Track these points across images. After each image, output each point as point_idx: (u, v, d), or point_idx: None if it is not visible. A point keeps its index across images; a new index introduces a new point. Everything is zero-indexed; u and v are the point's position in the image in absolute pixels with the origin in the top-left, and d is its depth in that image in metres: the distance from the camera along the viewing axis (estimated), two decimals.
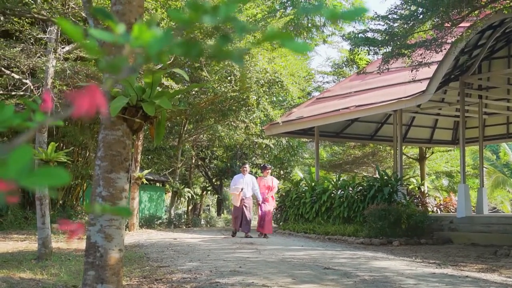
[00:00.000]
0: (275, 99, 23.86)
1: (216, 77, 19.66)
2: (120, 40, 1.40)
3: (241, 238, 16.90)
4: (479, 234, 15.45)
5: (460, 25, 14.40)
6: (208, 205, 44.74)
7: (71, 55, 15.17)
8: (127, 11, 5.25)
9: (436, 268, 9.68)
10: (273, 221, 22.44)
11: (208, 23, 1.42)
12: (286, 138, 29.32)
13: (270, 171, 18.48)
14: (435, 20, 13.52)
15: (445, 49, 14.76)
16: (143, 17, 5.40)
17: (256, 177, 19.20)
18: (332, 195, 19.03)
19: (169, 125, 24.62)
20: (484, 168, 27.16)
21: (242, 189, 17.07)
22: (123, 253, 5.35)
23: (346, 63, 33.71)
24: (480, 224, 16.00)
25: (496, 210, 33.74)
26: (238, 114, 23.22)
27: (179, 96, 19.19)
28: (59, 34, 13.07)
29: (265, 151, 30.83)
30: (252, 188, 17.34)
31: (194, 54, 1.44)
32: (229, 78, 19.81)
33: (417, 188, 22.71)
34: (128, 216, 4.91)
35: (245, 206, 17.22)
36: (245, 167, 17.69)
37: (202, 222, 27.88)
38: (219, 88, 19.75)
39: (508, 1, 13.52)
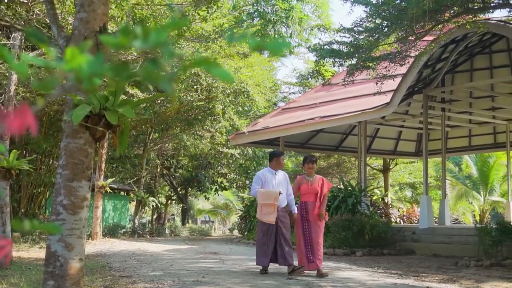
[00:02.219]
0: (241, 109, 23.87)
1: (183, 86, 19.62)
2: (53, 65, 1.43)
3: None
4: (440, 245, 15.62)
5: (424, 38, 14.62)
6: (173, 215, 44.59)
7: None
8: (91, 19, 5.23)
9: (398, 278, 9.76)
10: (245, 232, 22.20)
11: (138, 48, 1.45)
12: (252, 148, 29.36)
13: (315, 166, 10.51)
14: (399, 34, 13.69)
15: (409, 62, 14.96)
16: (107, 25, 5.38)
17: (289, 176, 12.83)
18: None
19: (134, 133, 24.48)
20: (447, 180, 27.50)
21: (280, 193, 9.87)
22: (84, 262, 5.29)
23: (311, 74, 34.00)
24: (442, 235, 16.19)
25: (458, 222, 34.21)
26: (204, 124, 23.21)
27: (144, 105, 19.12)
28: (23, 41, 12.94)
29: (231, 161, 30.82)
30: (286, 193, 10.27)
31: (124, 77, 1.46)
32: (195, 87, 19.78)
33: (380, 199, 22.95)
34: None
35: (281, 221, 9.90)
36: (282, 157, 10.48)
37: (167, 231, 27.70)
38: (185, 97, 19.71)
39: (470, 16, 13.76)
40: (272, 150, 10.96)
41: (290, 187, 10.41)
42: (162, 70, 1.45)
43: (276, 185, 10.07)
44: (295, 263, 9.88)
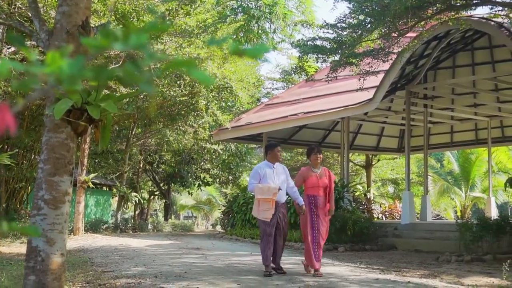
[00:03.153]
0: (224, 104, 23.86)
1: (166, 81, 19.56)
2: (33, 70, 1.43)
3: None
4: (422, 240, 15.72)
5: (407, 35, 14.69)
6: (155, 210, 44.48)
7: (17, 55, 14.89)
8: (73, 13, 5.20)
9: (380, 273, 9.81)
10: (227, 227, 22.18)
11: (119, 50, 1.46)
12: (235, 143, 29.36)
13: (321, 156, 9.95)
14: (382, 30, 13.74)
15: (391, 58, 15.03)
16: (90, 20, 5.35)
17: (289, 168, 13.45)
18: None
19: (117, 128, 24.38)
20: (429, 176, 27.66)
21: (280, 189, 9.27)
22: (65, 257, 5.27)
23: (295, 70, 34.04)
24: (423, 231, 16.29)
25: (440, 217, 34.40)
26: (187, 119, 23.16)
27: (127, 100, 19.04)
28: (4, 34, 12.84)
29: (214, 156, 30.79)
30: (288, 187, 9.65)
31: (103, 78, 1.47)
32: (178, 82, 19.73)
33: (363, 195, 23.05)
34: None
35: (280, 217, 9.37)
36: (279, 149, 9.82)
37: (149, 227, 27.64)
38: (168, 92, 19.65)
39: (453, 13, 13.83)
40: (268, 143, 10.58)
41: (291, 179, 9.79)
42: (141, 71, 1.45)
43: (275, 179, 9.40)
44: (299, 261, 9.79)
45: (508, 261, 9.89)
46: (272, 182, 9.33)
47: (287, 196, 9.81)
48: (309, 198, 9.46)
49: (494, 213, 19.86)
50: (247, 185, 26.37)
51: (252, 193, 9.51)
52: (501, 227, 13.00)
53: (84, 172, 20.50)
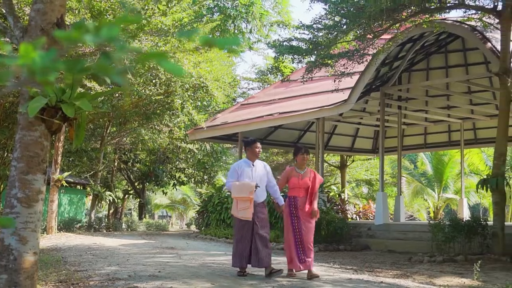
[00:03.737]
0: (200, 103, 23.82)
1: (141, 80, 19.48)
2: (6, 62, 1.44)
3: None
4: (395, 241, 15.85)
5: (382, 37, 14.82)
6: (130, 209, 44.28)
7: None
8: (48, 10, 5.17)
9: (353, 274, 9.88)
10: (202, 227, 22.15)
11: (90, 43, 1.47)
12: (210, 143, 29.34)
13: (308, 157, 9.61)
14: (357, 32, 13.85)
15: (366, 60, 15.14)
16: (65, 17, 5.33)
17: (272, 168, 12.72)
18: None
19: (91, 127, 24.22)
20: (402, 177, 27.89)
21: (257, 186, 8.85)
22: (38, 256, 5.24)
23: (271, 71, 34.10)
24: (397, 231, 16.43)
25: (413, 218, 34.67)
26: (162, 118, 23.08)
27: (102, 98, 18.94)
28: None
29: (189, 156, 30.73)
30: (268, 185, 9.26)
31: (77, 70, 1.48)
32: (154, 81, 19.66)
33: (337, 195, 23.15)
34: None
35: (257, 217, 8.92)
36: (257, 145, 9.30)
37: (123, 226, 27.49)
38: (143, 91, 19.57)
39: (427, 16, 13.98)
40: (247, 139, 9.70)
41: (273, 177, 9.33)
42: (114, 64, 1.46)
43: (254, 178, 8.97)
44: (278, 266, 9.25)
45: (479, 261, 10.02)
46: (250, 180, 8.93)
47: (267, 196, 9.39)
48: (289, 200, 9.09)
49: (466, 214, 20.10)
50: (222, 184, 26.42)
51: (229, 192, 9.09)
52: (472, 228, 13.16)
53: (58, 170, 20.34)
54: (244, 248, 8.81)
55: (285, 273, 8.97)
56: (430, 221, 14.81)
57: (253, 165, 9.16)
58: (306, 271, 8.80)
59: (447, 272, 10.44)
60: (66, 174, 21.90)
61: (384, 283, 8.50)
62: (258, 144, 9.36)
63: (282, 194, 9.52)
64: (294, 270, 8.89)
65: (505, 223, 13.04)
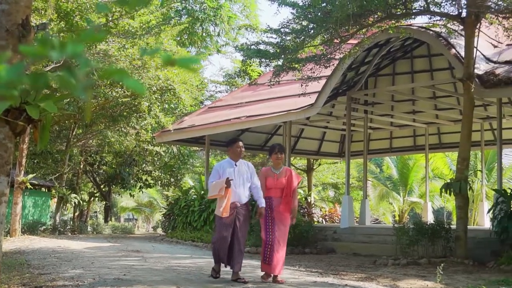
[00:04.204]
0: (167, 106, 23.77)
1: (108, 82, 19.37)
2: None
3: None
4: (360, 244, 15.98)
5: (348, 42, 14.93)
6: (95, 212, 43.90)
7: None
8: (13, 11, 5.12)
9: (318, 277, 9.95)
10: (168, 230, 22.04)
11: (55, 59, 1.48)
12: (177, 146, 29.25)
13: (284, 156, 9.36)
14: (324, 36, 13.94)
15: (333, 64, 15.25)
16: (30, 18, 5.29)
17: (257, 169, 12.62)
18: None
19: (57, 129, 24.01)
20: (368, 181, 28.14)
21: (228, 180, 8.54)
22: (1, 259, 5.19)
23: (238, 74, 34.12)
24: (362, 234, 16.56)
25: (378, 222, 35.00)
26: (129, 120, 22.98)
27: (68, 100, 18.77)
28: None
29: (156, 158, 30.61)
30: (251, 186, 8.94)
31: (41, 84, 1.50)
32: (120, 83, 19.55)
33: (304, 199, 23.24)
34: None
35: (239, 219, 8.70)
36: (238, 144, 9.05)
37: (89, 229, 27.29)
38: (110, 93, 19.46)
39: (393, 22, 14.14)
40: (229, 139, 9.63)
41: (257, 178, 8.98)
42: (77, 80, 1.48)
43: (236, 178, 8.69)
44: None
45: (442, 264, 10.17)
46: (229, 176, 8.65)
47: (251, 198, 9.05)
48: (265, 200, 8.84)
49: (430, 218, 20.34)
50: (189, 187, 26.32)
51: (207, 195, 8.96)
52: (436, 231, 13.33)
53: (22, 172, 20.11)
54: (222, 248, 8.54)
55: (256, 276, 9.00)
56: (395, 225, 14.96)
57: (235, 165, 8.88)
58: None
59: (410, 275, 10.57)
60: (30, 176, 21.65)
61: (349, 286, 8.58)
62: (240, 143, 9.09)
63: None
64: (266, 276, 8.69)
65: (468, 226, 13.24)
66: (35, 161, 26.28)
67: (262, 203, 8.76)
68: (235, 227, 8.61)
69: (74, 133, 24.80)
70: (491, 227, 13.15)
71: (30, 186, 21.79)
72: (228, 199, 8.45)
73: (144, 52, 1.65)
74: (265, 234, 8.74)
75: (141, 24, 16.31)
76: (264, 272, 8.76)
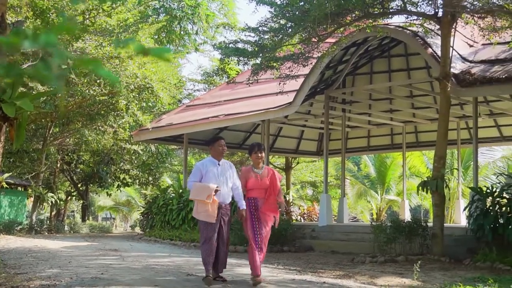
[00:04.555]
0: (145, 104, 23.66)
1: (85, 80, 19.25)
2: None
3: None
4: (338, 242, 16.04)
5: (326, 40, 14.98)
6: (72, 211, 43.63)
7: None
8: None
9: (297, 274, 9.99)
10: (146, 229, 21.95)
11: (29, 49, 1.49)
12: (155, 144, 29.16)
13: (264, 155, 8.98)
14: (302, 35, 13.98)
15: (311, 63, 15.30)
16: (5, 15, 5.25)
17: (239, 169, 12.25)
18: None
19: (33, 127, 23.80)
20: (346, 179, 28.28)
21: (217, 190, 8.27)
22: None
23: (216, 72, 34.09)
24: (340, 232, 16.63)
25: (356, 220, 35.18)
26: (107, 119, 22.84)
27: (44, 98, 18.63)
28: None
29: (134, 157, 30.47)
30: (232, 187, 8.70)
31: (14, 75, 1.50)
32: (98, 81, 19.45)
33: (282, 197, 23.27)
34: None
35: (224, 220, 8.58)
36: (220, 143, 8.79)
37: (66, 228, 27.10)
38: (87, 91, 19.34)
39: (371, 21, 14.22)
40: (211, 137, 9.61)
41: (238, 179, 8.73)
42: (51, 70, 1.48)
43: (219, 177, 8.43)
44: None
45: (419, 262, 10.26)
46: (216, 180, 8.36)
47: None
48: (249, 201, 8.63)
49: (407, 216, 20.49)
50: (167, 186, 26.25)
51: (190, 196, 8.58)
52: (413, 229, 13.44)
53: None
54: (211, 250, 8.28)
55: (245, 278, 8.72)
56: (373, 223, 15.06)
57: (219, 164, 8.60)
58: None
59: (388, 272, 10.64)
60: (6, 175, 21.47)
61: (327, 283, 8.62)
62: (222, 142, 8.80)
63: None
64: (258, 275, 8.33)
65: (445, 224, 13.37)
66: (11, 160, 26.03)
67: (243, 205, 8.57)
68: (221, 229, 8.45)
69: (50, 131, 24.60)
70: (467, 224, 13.28)
71: (6, 185, 21.60)
72: (213, 207, 8.19)
73: (118, 44, 1.64)
74: (253, 235, 8.49)
75: (119, 22, 16.23)
76: (254, 276, 8.36)
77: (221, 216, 8.40)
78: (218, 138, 8.92)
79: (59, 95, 19.60)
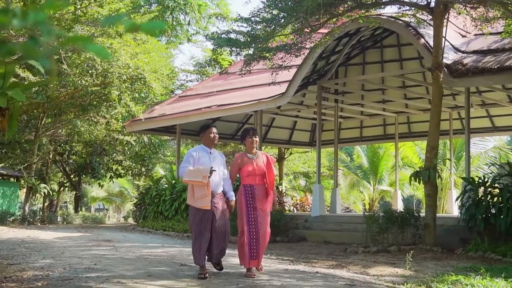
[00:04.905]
0: (137, 95, 23.60)
1: (77, 71, 19.19)
2: None
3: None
4: (331, 232, 16.08)
5: (319, 31, 14.98)
6: (65, 202, 43.57)
7: None
8: None
9: (289, 264, 10.01)
10: (139, 219, 21.93)
11: (17, 27, 1.48)
12: (148, 135, 29.12)
13: (258, 140, 8.50)
14: (295, 25, 13.96)
15: (304, 53, 15.28)
16: None
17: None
18: None
19: (25, 118, 23.73)
20: (339, 170, 28.31)
21: (212, 170, 7.90)
22: None
23: (209, 63, 34.02)
24: (333, 223, 16.68)
25: (349, 210, 35.27)
26: (99, 110, 22.77)
27: (36, 89, 18.57)
28: None
29: (126, 148, 30.42)
30: (222, 176, 8.31)
31: (2, 52, 1.49)
32: (90, 72, 19.38)
33: (275, 188, 23.32)
34: None
35: (216, 210, 8.02)
36: (211, 130, 8.39)
37: (59, 219, 27.07)
38: (79, 82, 19.28)
39: (363, 11, 14.21)
40: (202, 125, 8.84)
41: (227, 170, 8.37)
42: (41, 47, 1.47)
43: (211, 164, 8.00)
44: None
45: (411, 251, 10.31)
46: (208, 166, 7.96)
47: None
48: (245, 188, 8.23)
49: (400, 206, 20.56)
50: (160, 177, 26.21)
51: (183, 179, 8.11)
52: (405, 219, 13.48)
53: None
54: (203, 243, 7.87)
55: (240, 271, 8.24)
56: (365, 213, 15.10)
57: (210, 152, 8.26)
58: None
59: (380, 262, 10.68)
60: None
61: (320, 273, 8.65)
62: (213, 129, 8.42)
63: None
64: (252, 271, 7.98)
65: (437, 214, 13.41)
66: (3, 151, 25.96)
67: (232, 196, 8.29)
68: (214, 220, 7.94)
69: (43, 122, 24.53)
70: (459, 214, 13.34)
71: None
72: (209, 190, 7.80)
73: (107, 21, 1.63)
74: (248, 227, 8.06)
75: (110, 12, 16.15)
76: (248, 268, 8.03)
77: (213, 206, 7.93)
78: (209, 126, 8.54)
79: (51, 85, 19.54)
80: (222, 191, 8.27)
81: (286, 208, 21.77)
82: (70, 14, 15.51)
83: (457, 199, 13.96)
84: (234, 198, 8.28)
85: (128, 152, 31.12)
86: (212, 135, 8.31)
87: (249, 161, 8.27)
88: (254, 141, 8.34)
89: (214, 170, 7.91)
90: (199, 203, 7.81)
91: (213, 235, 7.95)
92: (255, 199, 8.14)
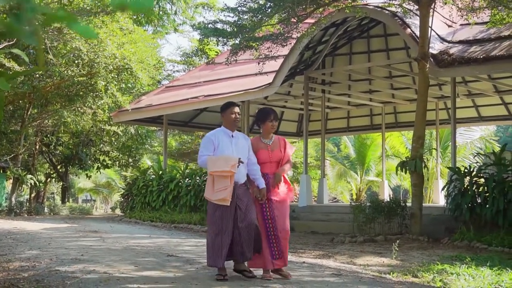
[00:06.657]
0: (124, 85, 23.48)
1: (63, 61, 19.08)
2: None
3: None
4: (318, 222, 16.12)
5: (306, 21, 14.96)
6: (52, 193, 43.37)
7: None
8: None
9: None
10: (127, 210, 21.87)
11: (1, 3, 1.45)
12: (135, 126, 29.02)
13: (276, 124, 7.77)
14: (282, 15, 13.95)
15: (291, 43, 15.28)
16: None
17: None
18: (180, 183, 19.12)
19: (11, 108, 23.57)
20: (326, 160, 28.36)
21: (240, 161, 6.97)
22: None
23: (196, 53, 33.92)
24: (320, 213, 16.73)
25: (336, 200, 35.37)
26: (86, 100, 22.63)
27: (22, 79, 18.44)
28: None
29: (113, 138, 30.29)
30: (248, 163, 7.24)
31: None
32: (76, 62, 19.27)
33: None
34: None
35: (241, 203, 6.97)
36: (233, 110, 7.33)
37: (46, 210, 26.97)
38: (66, 72, 19.17)
39: (350, 1, 14.21)
40: (223, 104, 7.71)
41: (253, 155, 7.20)
42: (25, 25, 1.45)
43: (234, 152, 7.03)
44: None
45: (398, 241, 10.37)
46: (231, 153, 7.00)
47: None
48: None
49: (387, 196, 20.66)
50: (147, 168, 26.18)
51: (205, 169, 7.25)
52: (392, 209, 13.56)
53: None
54: (224, 243, 6.84)
55: (258, 274, 7.16)
56: (352, 203, 15.16)
57: (232, 136, 7.22)
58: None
59: (367, 252, 10.73)
60: None
61: (306, 263, 8.69)
62: (236, 109, 7.36)
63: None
64: (269, 270, 7.06)
65: (423, 204, 13.48)
66: None
67: (262, 183, 7.11)
68: (238, 211, 6.92)
69: (29, 113, 24.39)
70: (445, 204, 13.43)
71: None
72: (232, 181, 6.82)
73: None
74: (264, 222, 7.10)
75: (96, 2, 16.06)
76: (268, 270, 7.07)
77: (237, 197, 6.92)
78: (231, 104, 7.50)
79: (39, 74, 19.38)
80: (247, 179, 7.25)
81: None
82: (56, 3, 15.41)
83: (443, 189, 14.03)
84: (264, 186, 7.08)
85: (115, 143, 31.00)
86: (233, 116, 7.27)
87: (264, 147, 7.30)
88: (274, 125, 7.44)
89: (242, 162, 6.99)
90: (217, 196, 6.82)
91: (240, 231, 6.88)
92: (269, 191, 7.15)
